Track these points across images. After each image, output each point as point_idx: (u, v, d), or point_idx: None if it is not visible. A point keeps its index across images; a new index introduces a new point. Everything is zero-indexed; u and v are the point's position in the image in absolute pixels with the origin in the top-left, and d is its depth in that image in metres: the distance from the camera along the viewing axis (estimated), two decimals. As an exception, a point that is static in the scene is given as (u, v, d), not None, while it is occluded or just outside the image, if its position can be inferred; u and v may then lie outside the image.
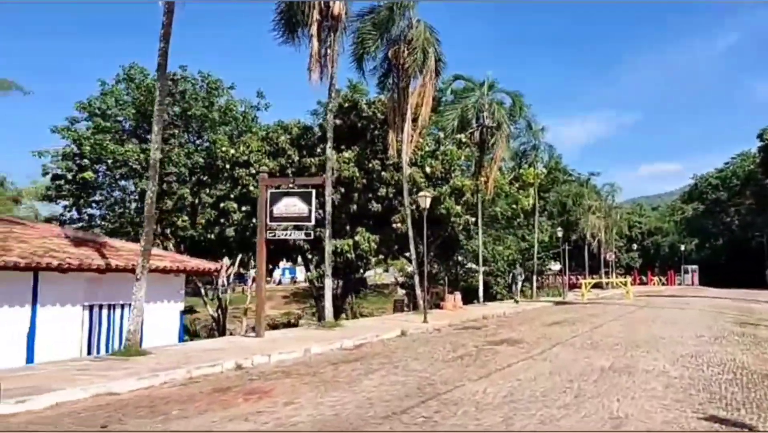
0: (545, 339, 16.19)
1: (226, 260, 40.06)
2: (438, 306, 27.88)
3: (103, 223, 30.17)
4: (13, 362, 12.56)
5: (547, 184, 49.06)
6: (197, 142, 31.24)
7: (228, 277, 42.65)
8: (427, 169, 26.12)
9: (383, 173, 25.34)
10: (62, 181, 28.89)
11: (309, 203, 14.75)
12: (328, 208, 18.26)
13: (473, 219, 28.37)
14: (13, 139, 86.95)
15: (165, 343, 15.73)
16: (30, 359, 13.28)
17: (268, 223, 15.09)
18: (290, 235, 15.09)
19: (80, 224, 29.55)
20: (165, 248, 31.84)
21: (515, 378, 10.17)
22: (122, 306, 15.84)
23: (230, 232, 26.33)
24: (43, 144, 48.37)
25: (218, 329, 40.78)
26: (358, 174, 24.63)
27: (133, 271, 15.34)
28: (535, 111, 50.33)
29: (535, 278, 41.06)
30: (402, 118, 23.92)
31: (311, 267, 26.69)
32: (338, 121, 26.39)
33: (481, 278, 31.24)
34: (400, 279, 66.76)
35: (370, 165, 25.40)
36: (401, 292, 64.99)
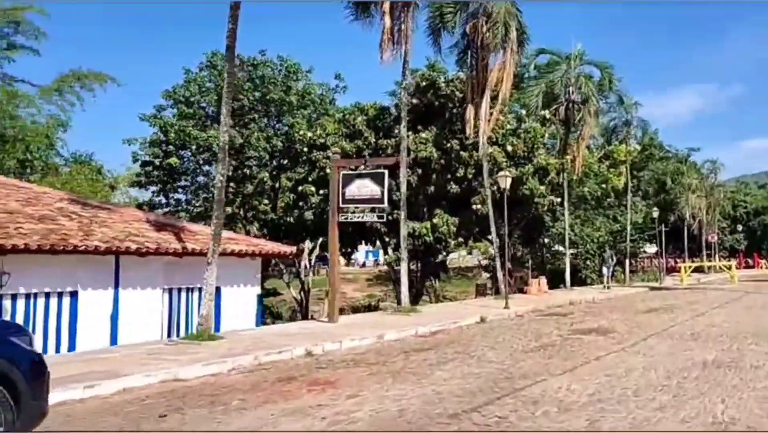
0: (639, 329, 15.04)
1: (308, 243, 40.49)
2: (522, 291, 26.87)
3: (189, 207, 30.96)
4: (98, 344, 12.83)
5: (640, 162, 46.35)
6: (276, 126, 31.42)
7: (310, 259, 43.18)
8: (509, 148, 25.03)
9: (462, 153, 24.49)
10: (150, 168, 29.82)
11: (381, 184, 14.24)
12: (403, 189, 17.69)
13: (558, 200, 27.04)
14: (109, 128, 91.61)
15: (242, 327, 15.75)
16: (114, 341, 13.54)
17: (341, 205, 14.72)
18: (362, 217, 14.66)
19: (167, 209, 30.49)
20: (248, 232, 32.43)
21: (604, 373, 9.30)
22: (200, 289, 15.92)
23: (308, 215, 26.30)
24: (135, 132, 50.45)
25: (301, 311, 41.35)
26: (435, 154, 23.91)
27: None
28: (627, 84, 47.55)
29: (627, 261, 38.99)
30: (481, 95, 22.94)
31: (389, 250, 26.29)
32: (415, 101, 25.76)
33: (568, 261, 29.88)
34: (484, 262, 65.59)
35: (448, 145, 24.60)
36: (485, 275, 63.91)
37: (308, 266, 42.74)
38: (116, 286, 13.71)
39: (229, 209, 29.97)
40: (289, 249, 17.86)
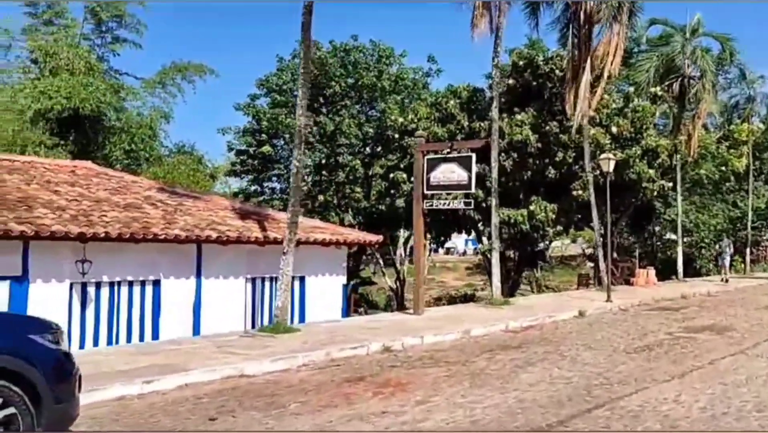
0: (761, 327, 13.26)
1: (402, 231, 39.96)
2: (627, 282, 24.94)
3: (283, 196, 31.20)
4: (181, 332, 12.81)
5: (764, 142, 42.15)
6: (369, 112, 31.00)
7: (405, 248, 42.64)
8: (614, 129, 23.17)
9: (561, 136, 22.92)
10: (245, 157, 30.30)
11: (468, 169, 13.29)
12: (495, 174, 16.59)
13: (670, 184, 24.82)
14: (208, 118, 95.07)
15: (327, 317, 15.37)
16: (196, 330, 13.48)
17: (425, 192, 13.91)
18: (448, 204, 13.78)
19: (262, 198, 30.89)
20: (342, 221, 32.29)
21: (719, 381, 8.00)
22: (292, 279, 15.71)
23: (400, 203, 25.61)
24: (232, 122, 51.70)
25: (396, 300, 41.05)
26: (532, 138, 22.49)
27: (295, 243, 15.10)
28: (751, 56, 43.21)
29: (748, 250, 35.55)
30: (583, 71, 21.27)
31: (483, 238, 25.18)
32: (510, 81, 24.43)
33: (680, 250, 27.46)
34: (588, 251, 62.74)
35: (547, 127, 23.09)
36: (589, 265, 60.93)
37: (403, 255, 42.40)
38: (198, 275, 13.62)
39: (321, 197, 30.00)
40: (374, 238, 17.27)
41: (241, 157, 30.43)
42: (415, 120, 25.46)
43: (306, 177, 30.77)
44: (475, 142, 13.87)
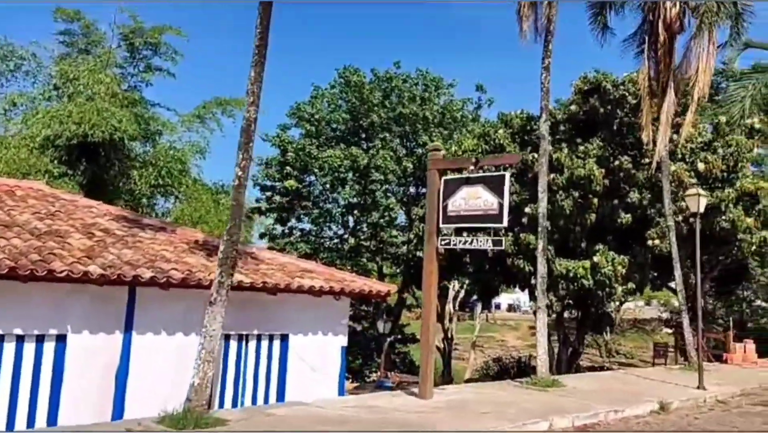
0: None
1: (455, 283, 35.92)
2: (719, 358, 19.92)
3: (312, 237, 27.85)
4: (96, 414, 9.33)
5: None
6: (412, 147, 27.54)
7: (455, 302, 38.45)
8: (700, 166, 18.72)
9: (635, 173, 18.67)
10: (271, 193, 27.22)
11: (500, 194, 9.37)
12: (543, 208, 12.49)
13: (773, 236, 19.89)
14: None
15: (315, 394, 11.58)
16: (118, 411, 9.72)
17: (440, 225, 10.05)
18: (472, 244, 9.83)
19: (287, 239, 27.61)
20: (380, 269, 28.48)
21: None
22: (258, 337, 12.07)
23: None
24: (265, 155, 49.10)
25: (444, 361, 36.69)
26: (597, 173, 18.33)
27: (272, 291, 11.52)
28: None
29: None
30: (663, 92, 17.14)
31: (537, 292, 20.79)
32: (573, 107, 20.48)
33: (785, 320, 22.10)
34: (664, 315, 56.40)
35: (616, 162, 18.92)
36: (665, 330, 54.53)
37: (452, 310, 38.13)
38: (127, 329, 10.07)
39: (352, 240, 26.44)
40: (385, 288, 13.37)
41: (267, 194, 27.35)
42: (459, 153, 21.72)
43: (335, 218, 27.40)
44: (509, 157, 9.84)
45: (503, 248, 9.66)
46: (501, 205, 9.48)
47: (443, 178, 10.19)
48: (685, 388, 12.98)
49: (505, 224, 9.49)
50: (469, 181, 9.85)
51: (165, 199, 32.68)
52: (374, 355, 31.08)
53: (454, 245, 10.04)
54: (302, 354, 12.43)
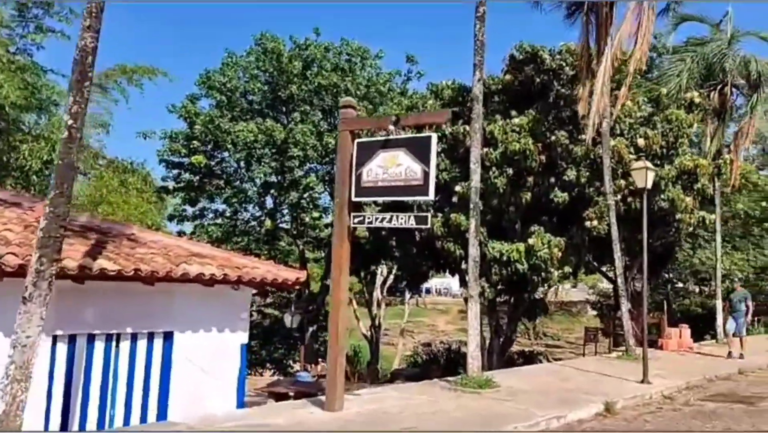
0: None
1: (382, 268, 34.33)
2: (653, 343, 18.94)
3: (228, 220, 25.44)
4: None
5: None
6: (334, 121, 25.52)
7: (383, 288, 36.86)
8: (640, 142, 17.57)
9: (572, 148, 17.33)
10: (180, 171, 24.64)
11: (425, 160, 7.58)
12: (476, 183, 10.77)
13: (713, 216, 19.05)
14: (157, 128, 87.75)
15: (208, 406, 9.65)
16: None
17: (353, 197, 8.17)
18: (392, 222, 7.98)
19: (199, 222, 25.15)
20: (302, 254, 26.42)
21: None
22: (151, 337, 9.94)
23: (362, 230, 19.79)
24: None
25: (371, 349, 35.15)
26: (533, 147, 16.88)
27: (148, 279, 9.38)
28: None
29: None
30: (599, 59, 15.83)
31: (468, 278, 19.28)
32: (507, 77, 18.99)
33: (719, 303, 21.40)
34: (592, 298, 56.80)
35: (553, 138, 17.52)
36: (591, 313, 54.91)
37: (380, 296, 36.51)
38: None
39: (269, 222, 24.26)
40: (294, 275, 11.38)
41: (174, 171, 24.73)
42: (385, 126, 19.84)
43: (250, 197, 25.12)
44: (436, 115, 7.93)
45: (428, 226, 7.87)
46: (426, 174, 7.67)
47: (356, 141, 8.29)
48: (627, 382, 11.68)
49: (431, 196, 7.69)
50: (387, 145, 7.99)
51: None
52: (298, 344, 29.16)
53: (370, 222, 8.19)
54: (191, 356, 10.35)
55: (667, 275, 33.70)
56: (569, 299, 63.86)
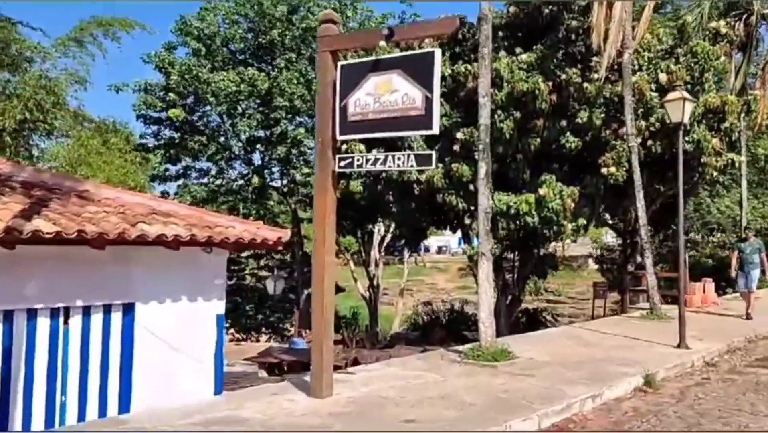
0: None
1: (379, 226, 32.86)
2: (676, 300, 17.50)
3: (212, 178, 23.79)
4: None
5: None
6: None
7: (381, 246, 35.47)
8: (662, 77, 15.80)
9: (585, 86, 15.59)
10: (158, 127, 22.84)
11: (426, 83, 5.92)
12: (485, 119, 9.04)
13: (742, 158, 17.40)
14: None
15: (180, 390, 8.27)
16: None
17: (338, 135, 6.53)
18: (386, 163, 6.36)
19: (181, 180, 23.48)
20: (293, 211, 24.84)
21: None
22: (107, 310, 8.42)
23: (355, 186, 18.14)
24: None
25: (369, 311, 33.98)
26: (543, 87, 15.14)
27: (96, 243, 7.85)
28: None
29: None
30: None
31: (471, 235, 17.80)
32: (512, 9, 17.10)
33: (734, 255, 19.75)
34: (595, 252, 55.46)
35: (563, 76, 15.77)
36: (592, 267, 53.65)
37: (378, 255, 35.12)
38: None
39: (256, 180, 22.60)
40: (275, 234, 9.76)
41: (153, 127, 22.92)
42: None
43: (231, 164, 23.37)
44: (439, 24, 6.16)
45: (432, 167, 6.21)
46: (429, 101, 6.01)
47: (339, 64, 6.60)
48: (660, 347, 10.24)
49: (436, 129, 6.04)
50: (378, 67, 6.30)
51: (39, 137, 27.94)
52: (294, 308, 27.90)
53: (360, 165, 6.54)
54: (157, 330, 8.85)
55: (673, 226, 32.17)
56: (569, 253, 62.89)
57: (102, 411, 8.32)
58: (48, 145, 28.02)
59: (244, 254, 26.89)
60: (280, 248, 9.88)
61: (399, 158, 6.29)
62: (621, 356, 9.13)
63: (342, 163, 6.60)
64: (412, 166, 6.25)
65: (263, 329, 29.60)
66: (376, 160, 6.43)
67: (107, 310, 8.47)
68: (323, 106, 6.65)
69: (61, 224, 7.50)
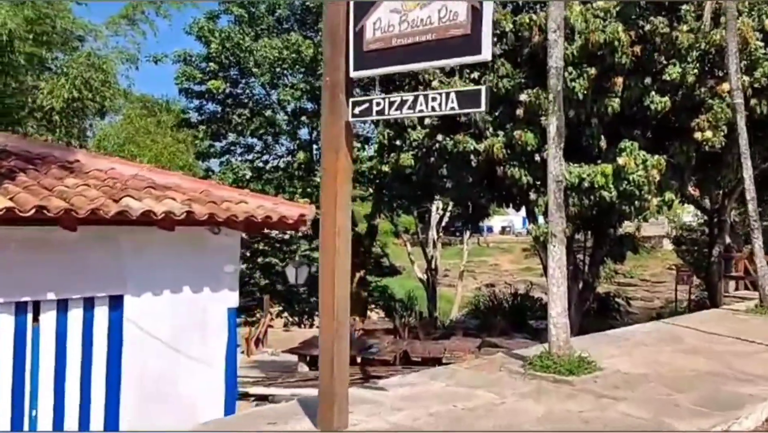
0: None
1: (438, 205, 31.12)
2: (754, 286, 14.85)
3: (257, 155, 22.43)
4: None
5: None
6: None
7: (439, 227, 33.70)
8: (768, 23, 13.21)
9: (676, 35, 13.14)
10: (200, 101, 21.56)
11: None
12: (555, 60, 6.91)
13: None
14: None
15: (183, 405, 6.77)
16: None
17: (352, 72, 4.73)
18: (417, 106, 4.51)
19: (225, 157, 22.23)
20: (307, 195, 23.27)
21: None
22: (89, 304, 6.98)
23: (405, 158, 16.23)
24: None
25: (428, 295, 32.30)
26: (623, 37, 12.81)
27: (66, 222, 6.39)
28: None
29: None
30: None
31: (537, 213, 15.71)
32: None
33: None
34: (672, 231, 51.61)
35: (649, 26, 13.37)
36: (667, 248, 49.86)
37: (436, 236, 33.34)
38: None
39: (302, 154, 21.03)
40: (296, 211, 8.08)
41: (196, 101, 21.67)
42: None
43: (281, 127, 21.83)
44: None
45: (482, 109, 4.28)
46: (478, 14, 4.12)
47: (354, -29, 4.75)
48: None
49: (488, 54, 4.15)
50: (405, -27, 4.43)
51: (93, 117, 27.29)
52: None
53: (380, 110, 4.68)
54: (152, 328, 7.36)
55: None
56: (643, 233, 59.23)
57: (84, 426, 6.89)
58: (101, 125, 27.45)
59: (296, 234, 25.67)
60: (304, 228, 8.19)
61: (434, 98, 4.42)
62: (740, 369, 7.01)
63: (357, 110, 4.77)
64: (452, 109, 4.36)
65: (316, 313, 28.43)
66: (403, 103, 4.57)
67: (89, 304, 7.02)
68: (331, 32, 4.84)
69: (19, 199, 6.00)
